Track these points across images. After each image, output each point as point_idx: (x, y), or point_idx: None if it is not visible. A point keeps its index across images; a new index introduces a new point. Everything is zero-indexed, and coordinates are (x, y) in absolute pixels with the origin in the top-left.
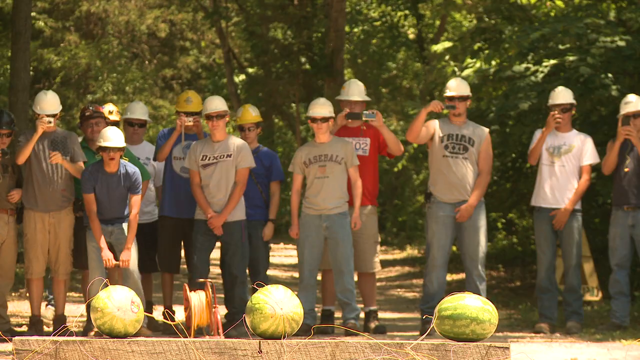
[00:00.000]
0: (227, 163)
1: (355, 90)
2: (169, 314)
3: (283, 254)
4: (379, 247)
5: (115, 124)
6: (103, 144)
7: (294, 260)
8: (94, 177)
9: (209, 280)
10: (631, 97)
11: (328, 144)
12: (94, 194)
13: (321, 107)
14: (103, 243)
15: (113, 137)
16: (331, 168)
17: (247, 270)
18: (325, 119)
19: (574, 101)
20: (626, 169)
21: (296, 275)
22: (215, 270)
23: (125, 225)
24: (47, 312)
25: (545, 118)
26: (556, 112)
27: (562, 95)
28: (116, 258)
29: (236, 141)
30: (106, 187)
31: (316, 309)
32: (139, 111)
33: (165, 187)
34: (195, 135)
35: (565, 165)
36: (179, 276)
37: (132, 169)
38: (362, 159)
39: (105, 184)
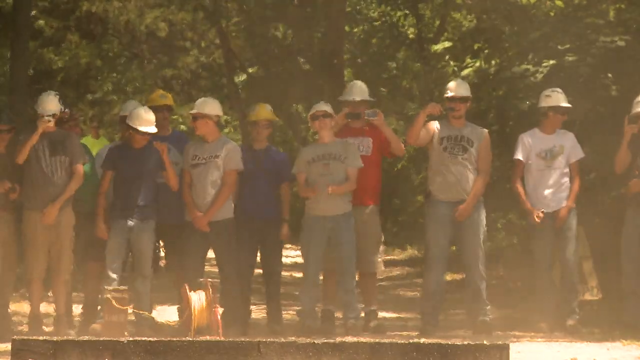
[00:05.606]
0: (214, 164)
1: (358, 91)
2: None
3: (284, 254)
4: (381, 247)
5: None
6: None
7: (295, 260)
8: None
9: (209, 280)
10: None
11: (332, 144)
12: None
13: (322, 105)
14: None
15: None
16: (335, 167)
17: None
18: (327, 115)
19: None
20: None
21: (296, 274)
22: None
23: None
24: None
25: (541, 119)
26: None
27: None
28: None
29: (226, 143)
30: None
31: (317, 309)
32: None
33: None
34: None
35: (559, 167)
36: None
37: None
38: (364, 159)
39: None
